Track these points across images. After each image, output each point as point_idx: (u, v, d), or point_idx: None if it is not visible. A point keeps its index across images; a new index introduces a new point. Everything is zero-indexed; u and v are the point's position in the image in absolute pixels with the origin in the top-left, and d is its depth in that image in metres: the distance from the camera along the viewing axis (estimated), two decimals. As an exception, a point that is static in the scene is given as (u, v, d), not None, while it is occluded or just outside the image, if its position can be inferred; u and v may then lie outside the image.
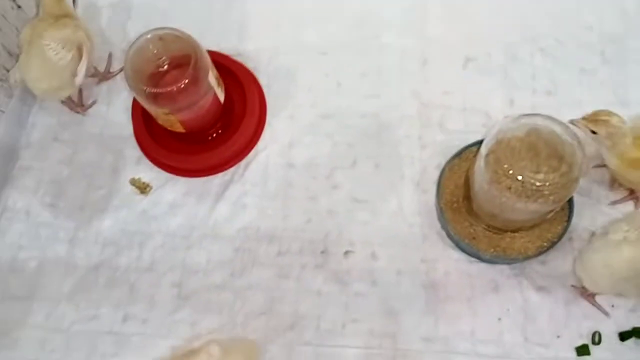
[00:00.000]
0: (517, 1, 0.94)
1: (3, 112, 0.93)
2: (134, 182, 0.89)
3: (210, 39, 0.94)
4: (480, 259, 0.79)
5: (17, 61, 0.96)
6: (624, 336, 0.75)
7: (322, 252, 0.82)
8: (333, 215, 0.85)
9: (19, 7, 0.97)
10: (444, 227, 0.81)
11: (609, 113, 0.73)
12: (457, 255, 0.80)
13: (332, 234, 0.83)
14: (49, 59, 0.83)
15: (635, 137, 0.73)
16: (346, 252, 0.82)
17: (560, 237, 0.77)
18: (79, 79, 0.87)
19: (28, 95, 0.97)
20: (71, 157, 0.91)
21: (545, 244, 0.77)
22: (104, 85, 0.96)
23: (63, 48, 0.83)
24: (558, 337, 0.76)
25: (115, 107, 0.94)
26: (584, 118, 0.74)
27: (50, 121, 0.95)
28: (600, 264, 0.70)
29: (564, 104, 0.86)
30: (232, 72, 0.92)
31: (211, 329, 0.79)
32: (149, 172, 0.89)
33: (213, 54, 0.87)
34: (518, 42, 0.91)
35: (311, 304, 0.80)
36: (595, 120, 0.74)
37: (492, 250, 0.77)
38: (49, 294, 0.83)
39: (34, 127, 0.95)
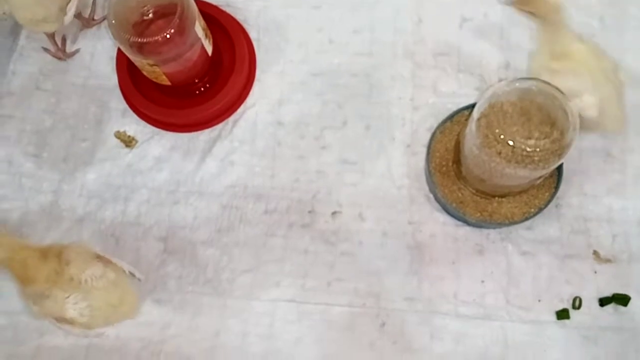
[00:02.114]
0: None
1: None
2: (119, 135, 0.87)
3: (198, -12, 0.90)
4: (467, 222, 0.79)
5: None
6: (603, 302, 0.76)
7: (310, 211, 0.82)
8: (321, 175, 0.84)
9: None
10: (432, 190, 0.81)
11: None
12: (443, 218, 0.81)
13: (320, 194, 0.83)
14: None
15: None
16: (334, 213, 0.82)
17: (547, 204, 0.77)
18: (69, 17, 0.82)
19: (8, 41, 0.93)
20: (54, 107, 0.89)
21: (532, 210, 0.77)
22: (88, 33, 0.93)
23: None
24: (539, 300, 0.77)
25: (99, 57, 0.91)
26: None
27: (32, 69, 0.91)
28: None
29: (560, 69, 0.85)
30: (220, 23, 0.89)
31: (196, 284, 0.79)
32: (134, 125, 0.87)
33: (200, 3, 0.83)
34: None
35: (297, 262, 0.80)
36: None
37: (478, 214, 0.78)
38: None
39: (15, 74, 0.91)
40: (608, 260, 0.78)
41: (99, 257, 0.71)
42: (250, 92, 0.88)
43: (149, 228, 0.82)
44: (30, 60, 0.91)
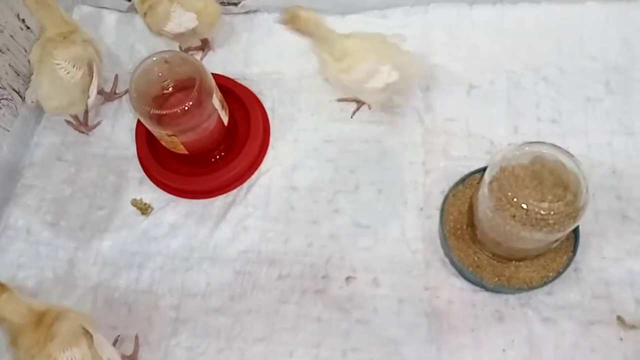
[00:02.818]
0: (519, 30, 0.94)
1: (8, 130, 0.94)
2: (135, 203, 0.88)
3: (216, 63, 0.95)
4: (485, 287, 0.77)
5: (27, 81, 0.98)
6: (631, 370, 0.73)
7: (323, 277, 0.81)
8: (335, 239, 0.84)
9: (28, 27, 0.99)
10: (447, 254, 0.80)
11: (298, 10, 0.77)
12: (460, 283, 0.79)
13: (334, 258, 0.82)
14: (59, 77, 0.83)
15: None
16: (348, 278, 0.81)
17: (565, 268, 0.75)
18: (92, 99, 0.88)
19: (33, 114, 0.97)
20: (74, 177, 0.92)
21: (550, 274, 0.75)
22: (109, 106, 0.97)
23: (74, 66, 0.84)
24: (564, 371, 0.73)
25: (119, 128, 0.95)
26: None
27: (54, 140, 0.95)
28: None
29: (569, 133, 0.86)
30: (236, 95, 0.93)
31: (207, 354, 0.78)
32: (151, 193, 0.89)
33: (218, 77, 0.87)
34: (521, 70, 0.91)
35: (311, 330, 0.78)
36: (292, 20, 0.78)
37: (496, 279, 0.76)
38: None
39: (38, 146, 0.95)
40: (633, 327, 0.75)
41: (86, 334, 0.68)
42: (265, 159, 0.91)
43: (162, 296, 0.82)
44: (53, 132, 0.96)
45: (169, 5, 0.87)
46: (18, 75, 0.97)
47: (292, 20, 0.79)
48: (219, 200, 0.88)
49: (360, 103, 0.91)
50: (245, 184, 0.89)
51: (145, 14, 0.89)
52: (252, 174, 0.90)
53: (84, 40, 0.87)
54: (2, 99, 0.93)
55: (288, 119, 0.93)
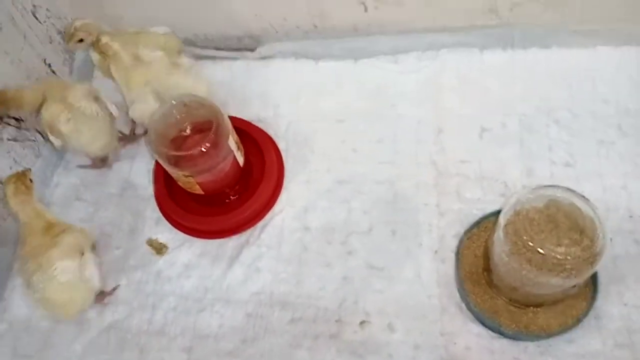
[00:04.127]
0: (531, 74, 0.95)
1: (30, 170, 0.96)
2: (150, 243, 0.89)
3: (232, 107, 0.97)
4: (503, 334, 0.76)
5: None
6: None
7: (337, 321, 0.80)
8: (348, 282, 0.83)
9: (54, 72, 1.03)
10: (463, 299, 0.79)
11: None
12: (477, 329, 0.77)
13: (348, 302, 0.82)
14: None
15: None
16: (362, 323, 0.80)
17: (585, 314, 0.73)
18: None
19: (54, 155, 1.00)
20: (92, 216, 0.93)
21: (569, 320, 0.73)
22: (128, 148, 0.99)
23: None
24: None
25: (137, 169, 0.97)
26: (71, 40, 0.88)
27: (73, 181, 0.97)
28: None
29: (584, 176, 0.86)
30: (252, 137, 0.95)
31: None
32: (166, 233, 0.90)
33: (234, 120, 0.90)
34: (533, 113, 0.92)
35: (324, 376, 0.77)
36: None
37: (514, 325, 0.74)
38: (60, 353, 0.82)
39: (58, 186, 0.98)
40: (658, 378, 0.72)
41: (83, 254, 0.79)
42: (278, 200, 0.91)
43: (174, 338, 0.81)
44: (72, 172, 0.98)
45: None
46: (42, 117, 1.01)
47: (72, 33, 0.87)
48: (233, 241, 0.89)
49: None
50: (259, 225, 0.89)
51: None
52: (265, 214, 0.90)
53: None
54: (27, 140, 0.96)
55: (301, 160, 0.94)
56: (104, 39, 0.88)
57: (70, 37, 0.88)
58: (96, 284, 0.81)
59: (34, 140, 0.98)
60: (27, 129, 0.97)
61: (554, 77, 0.95)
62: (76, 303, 0.79)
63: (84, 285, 0.79)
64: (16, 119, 0.95)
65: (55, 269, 0.75)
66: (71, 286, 0.77)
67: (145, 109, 0.89)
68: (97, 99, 0.89)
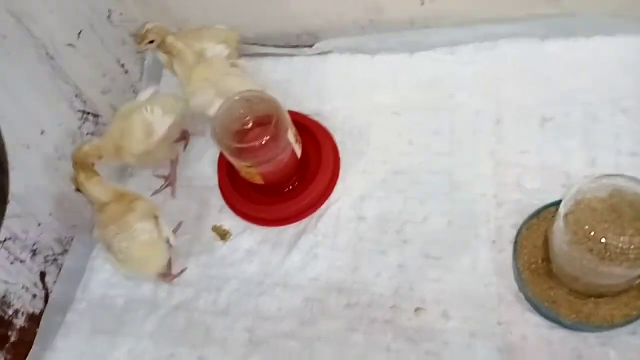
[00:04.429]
0: (595, 63, 0.92)
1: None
2: (215, 229, 0.95)
3: (292, 102, 1.01)
4: (562, 325, 0.74)
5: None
6: None
7: (392, 307, 0.82)
8: (404, 270, 0.84)
9: (127, 72, 1.11)
10: (521, 289, 0.78)
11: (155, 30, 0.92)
12: (536, 319, 0.76)
13: (403, 289, 0.83)
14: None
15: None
16: (417, 310, 0.81)
17: (651, 307, 0.71)
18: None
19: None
20: (163, 205, 0.99)
21: (634, 312, 0.71)
22: (196, 141, 1.05)
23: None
24: (654, 419, 0.68)
25: (204, 161, 1.03)
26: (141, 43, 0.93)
27: (146, 173, 1.04)
28: None
29: (651, 166, 0.83)
30: (309, 130, 0.98)
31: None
32: (229, 221, 0.95)
33: (293, 114, 0.93)
34: (598, 102, 0.89)
35: (379, 360, 0.78)
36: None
37: (574, 316, 0.73)
38: (133, 330, 0.89)
39: (132, 176, 1.05)
40: None
41: (156, 218, 0.85)
42: (335, 190, 0.94)
43: (237, 318, 0.86)
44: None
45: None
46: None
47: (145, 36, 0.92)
48: (291, 229, 0.92)
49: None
50: (316, 214, 0.92)
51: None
52: (322, 204, 0.93)
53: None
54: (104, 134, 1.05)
55: (358, 152, 0.96)
56: (169, 40, 0.94)
57: (141, 39, 0.94)
58: (172, 242, 0.87)
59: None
60: (104, 124, 1.05)
61: (620, 65, 0.91)
62: (157, 260, 0.86)
63: (162, 243, 0.85)
64: (94, 115, 1.03)
65: (135, 230, 0.82)
66: (151, 244, 0.84)
67: (204, 99, 0.93)
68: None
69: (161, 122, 0.92)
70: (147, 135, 0.91)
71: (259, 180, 0.91)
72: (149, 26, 0.93)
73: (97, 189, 0.84)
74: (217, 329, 0.85)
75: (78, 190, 0.86)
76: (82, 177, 0.84)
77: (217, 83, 0.93)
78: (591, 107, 0.90)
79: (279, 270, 0.88)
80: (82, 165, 0.84)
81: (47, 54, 0.92)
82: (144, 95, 0.95)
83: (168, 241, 0.86)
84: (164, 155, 0.99)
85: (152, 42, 0.94)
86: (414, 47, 1.01)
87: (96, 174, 0.85)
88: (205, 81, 0.94)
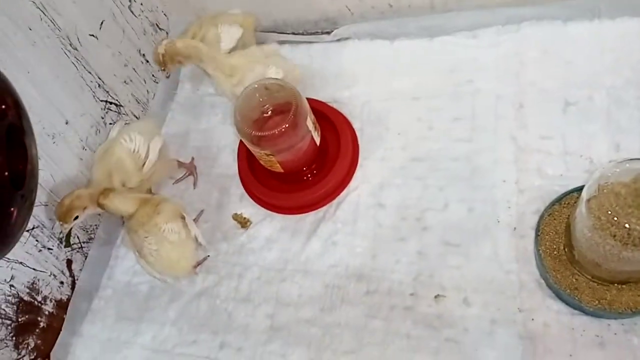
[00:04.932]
0: (619, 45, 0.90)
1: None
2: (236, 217, 0.96)
3: (310, 89, 1.01)
4: (584, 311, 0.74)
5: (146, 108, 1.11)
6: None
7: (412, 294, 0.82)
8: (423, 257, 0.84)
9: (147, 61, 1.12)
10: (543, 275, 0.77)
11: (167, 44, 0.89)
12: (557, 306, 0.76)
13: (423, 276, 0.83)
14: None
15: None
16: (437, 296, 0.81)
17: (677, 293, 0.70)
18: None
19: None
20: (183, 193, 1.01)
21: (659, 299, 0.70)
22: (216, 130, 1.06)
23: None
24: (678, 407, 0.67)
25: (223, 150, 1.04)
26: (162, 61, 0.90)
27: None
28: None
29: (678, 149, 0.80)
30: (327, 117, 0.98)
31: (300, 361, 0.81)
32: (249, 208, 0.96)
33: (311, 101, 0.93)
34: (622, 85, 0.87)
35: (400, 346, 0.79)
36: (171, 58, 0.89)
37: (596, 302, 0.72)
38: (156, 316, 0.91)
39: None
40: None
41: (182, 217, 0.86)
42: (353, 177, 0.94)
43: (258, 305, 0.87)
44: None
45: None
46: (138, 103, 1.11)
47: (171, 54, 0.89)
48: (311, 216, 0.93)
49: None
50: (335, 201, 0.93)
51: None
52: (341, 191, 0.93)
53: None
54: (126, 123, 1.06)
55: (376, 138, 0.96)
56: (177, 49, 0.90)
57: (163, 64, 0.90)
58: (201, 241, 0.88)
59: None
60: (125, 114, 1.07)
61: (645, 45, 0.89)
62: (187, 259, 0.87)
63: (190, 242, 0.87)
64: (116, 105, 1.05)
65: (163, 231, 0.83)
66: (180, 244, 0.85)
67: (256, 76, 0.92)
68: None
69: (146, 147, 0.90)
70: (137, 165, 0.89)
71: (278, 168, 0.91)
72: (161, 50, 0.90)
73: (120, 203, 0.84)
74: (239, 315, 0.87)
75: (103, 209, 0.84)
76: (101, 199, 0.83)
77: (257, 66, 0.93)
78: (615, 90, 0.88)
79: (298, 257, 0.89)
80: (65, 218, 0.81)
81: (71, 44, 0.94)
82: (113, 131, 0.93)
83: (196, 239, 0.88)
84: (160, 179, 0.98)
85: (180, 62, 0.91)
86: (434, 32, 1.00)
87: (111, 189, 0.85)
88: (250, 63, 0.93)
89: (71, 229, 0.86)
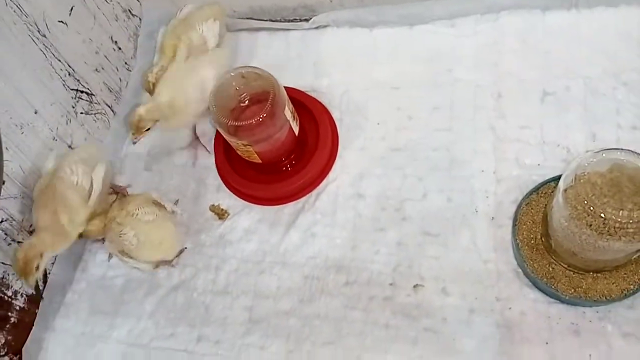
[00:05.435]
0: (596, 35, 0.90)
1: (101, 142, 1.03)
2: (213, 209, 0.94)
3: (288, 77, 0.99)
4: (560, 299, 0.75)
5: (118, 97, 1.08)
6: None
7: (391, 284, 0.82)
8: (402, 247, 0.84)
9: (120, 49, 1.09)
10: (520, 264, 0.78)
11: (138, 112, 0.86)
12: (534, 294, 0.77)
13: (402, 266, 0.83)
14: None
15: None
16: (415, 286, 0.81)
17: (649, 281, 0.71)
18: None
19: (123, 128, 1.06)
20: (159, 184, 0.99)
21: (631, 286, 0.71)
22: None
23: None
24: (649, 391, 0.69)
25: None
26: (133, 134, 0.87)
27: (141, 151, 1.03)
28: None
29: (652, 139, 0.82)
30: (306, 106, 0.97)
31: (279, 354, 0.80)
32: (227, 200, 0.94)
33: (290, 90, 0.91)
34: (599, 76, 0.88)
35: (378, 336, 0.79)
36: (140, 127, 0.86)
37: (572, 291, 0.73)
38: (132, 310, 0.89)
39: (127, 156, 1.04)
40: None
41: (155, 202, 0.86)
42: (333, 167, 0.93)
43: (236, 297, 0.86)
44: (140, 144, 1.00)
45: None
46: (110, 91, 1.07)
47: (141, 121, 0.87)
48: (289, 207, 0.92)
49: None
50: (314, 192, 0.92)
51: None
52: (320, 182, 0.92)
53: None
54: (97, 113, 1.03)
55: (355, 128, 0.95)
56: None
57: (137, 129, 0.87)
58: (176, 209, 0.88)
59: (104, 113, 1.05)
60: (97, 103, 1.04)
61: (622, 37, 0.89)
62: (168, 239, 0.86)
63: (169, 223, 0.86)
64: (88, 94, 1.02)
65: (137, 215, 0.83)
66: (158, 224, 0.85)
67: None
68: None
69: (89, 178, 0.83)
70: (83, 198, 0.82)
71: (256, 159, 0.89)
72: (136, 118, 0.86)
73: (91, 226, 0.84)
74: (217, 308, 0.86)
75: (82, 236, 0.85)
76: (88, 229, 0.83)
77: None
78: (592, 80, 0.88)
79: (277, 249, 0.88)
80: (26, 272, 0.76)
81: (39, 31, 0.90)
82: (49, 163, 0.87)
83: (173, 212, 0.87)
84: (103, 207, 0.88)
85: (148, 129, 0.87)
86: (414, 20, 0.99)
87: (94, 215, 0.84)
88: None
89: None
